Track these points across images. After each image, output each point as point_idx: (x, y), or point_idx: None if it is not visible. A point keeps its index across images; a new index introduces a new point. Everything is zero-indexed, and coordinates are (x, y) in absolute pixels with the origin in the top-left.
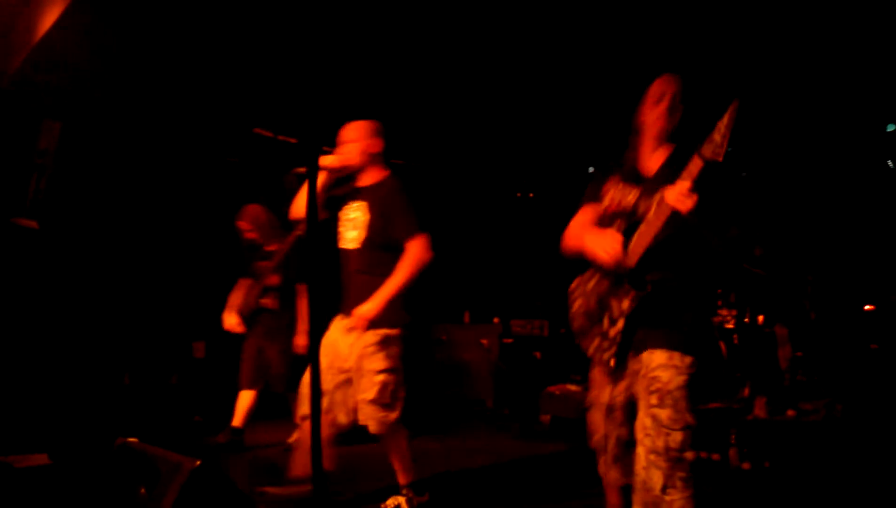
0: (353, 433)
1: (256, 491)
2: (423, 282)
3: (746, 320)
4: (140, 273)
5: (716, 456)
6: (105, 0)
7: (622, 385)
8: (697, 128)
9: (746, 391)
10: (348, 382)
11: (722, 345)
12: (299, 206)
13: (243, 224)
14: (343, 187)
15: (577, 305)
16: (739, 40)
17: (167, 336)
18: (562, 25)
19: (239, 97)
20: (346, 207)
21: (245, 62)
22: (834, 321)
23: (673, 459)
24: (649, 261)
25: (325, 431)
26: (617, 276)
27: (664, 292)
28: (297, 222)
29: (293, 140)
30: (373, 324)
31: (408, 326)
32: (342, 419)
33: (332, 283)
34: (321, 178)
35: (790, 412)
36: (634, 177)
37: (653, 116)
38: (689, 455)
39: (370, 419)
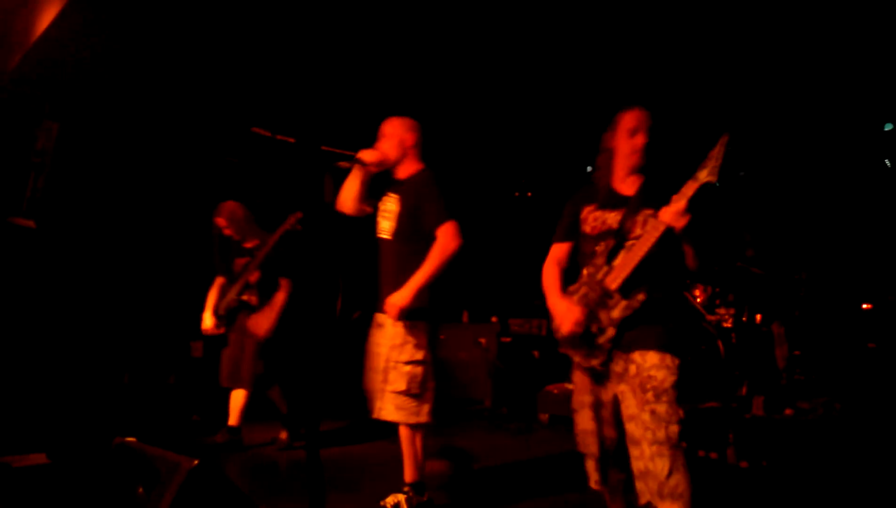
0: (354, 433)
1: None
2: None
3: (744, 319)
4: (138, 273)
5: (714, 455)
6: (102, 0)
7: (606, 386)
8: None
9: (744, 390)
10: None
11: (720, 344)
12: (345, 200)
13: (220, 221)
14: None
15: None
16: (739, 40)
17: (165, 336)
18: (562, 25)
19: (238, 97)
20: (385, 198)
21: (244, 62)
22: (832, 320)
23: (674, 447)
24: (639, 273)
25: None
26: (605, 289)
27: (652, 301)
28: (345, 214)
29: (291, 140)
30: (402, 315)
31: (438, 317)
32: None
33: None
34: (361, 173)
35: (788, 411)
36: (613, 199)
37: (627, 147)
38: (684, 444)
39: (400, 409)
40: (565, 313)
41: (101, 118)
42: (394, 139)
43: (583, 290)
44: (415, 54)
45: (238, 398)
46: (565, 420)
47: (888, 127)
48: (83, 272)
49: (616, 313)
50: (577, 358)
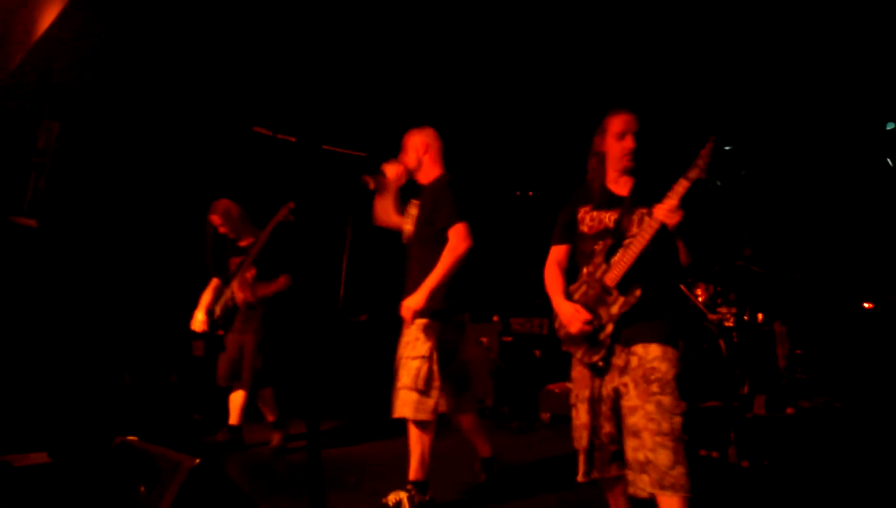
0: (354, 433)
1: None
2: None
3: (746, 318)
4: (139, 272)
5: (715, 454)
6: (102, 0)
7: (606, 379)
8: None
9: (746, 389)
10: None
11: (721, 343)
12: (381, 215)
13: (215, 218)
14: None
15: None
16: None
17: (167, 335)
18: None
19: (238, 96)
20: (410, 204)
21: (244, 61)
22: (833, 320)
23: (678, 439)
24: (636, 270)
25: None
26: (604, 286)
27: (649, 297)
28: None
29: (292, 139)
30: (416, 317)
31: (451, 314)
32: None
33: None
34: (387, 186)
35: (789, 410)
36: (608, 200)
37: (616, 151)
38: (685, 436)
39: (405, 404)
40: (573, 314)
41: (101, 118)
42: (410, 150)
43: (583, 288)
44: (415, 54)
45: (237, 398)
46: (566, 419)
47: (890, 126)
48: (84, 271)
49: (615, 309)
50: (578, 355)
